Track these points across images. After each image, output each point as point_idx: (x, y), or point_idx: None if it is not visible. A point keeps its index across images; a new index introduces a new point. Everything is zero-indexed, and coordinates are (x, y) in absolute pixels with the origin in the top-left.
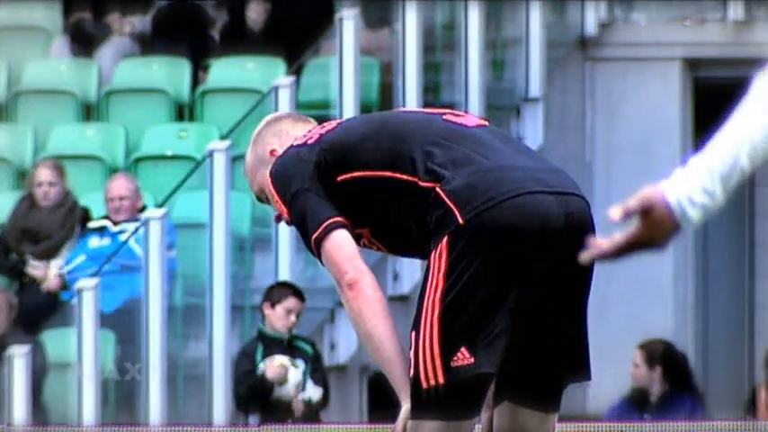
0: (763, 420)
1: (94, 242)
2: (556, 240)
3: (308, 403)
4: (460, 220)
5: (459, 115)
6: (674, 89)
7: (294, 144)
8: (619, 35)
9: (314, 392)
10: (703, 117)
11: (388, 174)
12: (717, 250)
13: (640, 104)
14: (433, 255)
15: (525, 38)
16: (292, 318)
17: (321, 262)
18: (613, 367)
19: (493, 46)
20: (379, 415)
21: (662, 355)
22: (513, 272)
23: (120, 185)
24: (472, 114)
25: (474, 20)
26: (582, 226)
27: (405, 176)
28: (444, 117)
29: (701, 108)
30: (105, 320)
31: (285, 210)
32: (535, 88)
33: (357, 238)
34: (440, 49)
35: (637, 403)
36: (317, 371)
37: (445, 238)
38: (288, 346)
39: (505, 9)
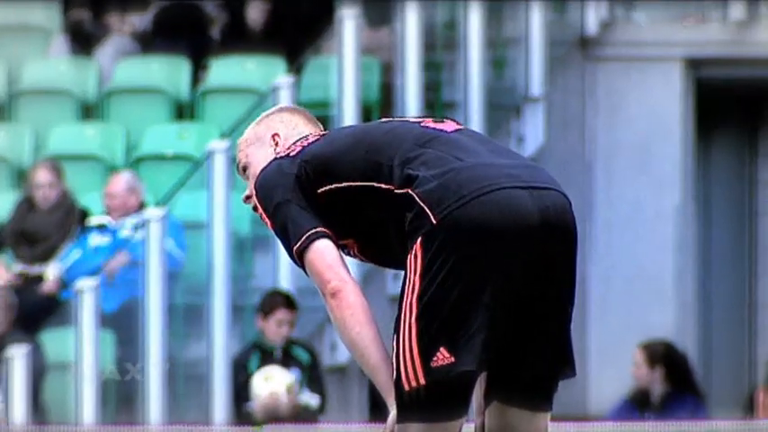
0: (764, 420)
1: (95, 240)
2: (530, 235)
3: (304, 409)
4: (434, 221)
5: (438, 121)
6: (675, 89)
7: (277, 156)
8: (620, 34)
9: (310, 399)
10: (705, 117)
11: (365, 183)
12: (718, 250)
13: (641, 104)
14: (409, 257)
15: (526, 37)
16: (285, 329)
17: (305, 272)
18: (615, 367)
19: (494, 45)
20: (380, 415)
21: (663, 356)
22: (488, 268)
23: (111, 184)
24: (451, 120)
25: (474, 19)
26: (558, 220)
27: (382, 185)
28: (423, 124)
29: (703, 108)
30: (105, 320)
31: (269, 222)
32: (536, 87)
33: (344, 249)
34: (440, 48)
35: (638, 403)
36: (313, 380)
37: (419, 240)
38: (283, 354)
39: (506, 8)
